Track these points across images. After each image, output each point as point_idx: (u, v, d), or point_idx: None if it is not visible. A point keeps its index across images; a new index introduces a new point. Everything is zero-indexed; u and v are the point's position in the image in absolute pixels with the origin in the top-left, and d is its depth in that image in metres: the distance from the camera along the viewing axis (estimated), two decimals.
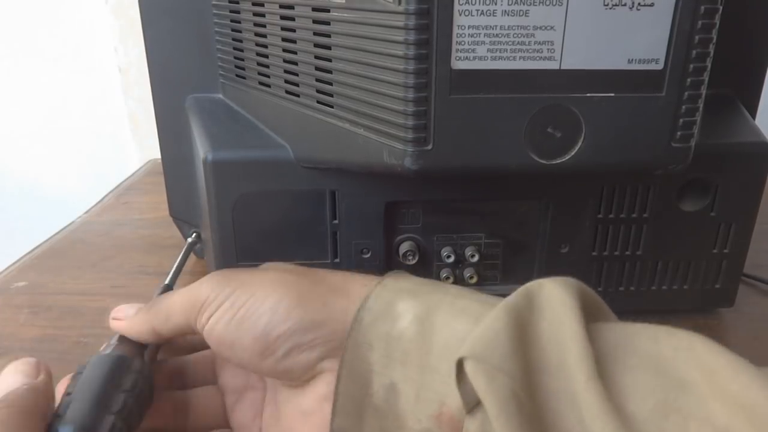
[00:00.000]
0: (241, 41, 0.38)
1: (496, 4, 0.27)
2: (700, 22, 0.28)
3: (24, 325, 0.42)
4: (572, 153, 0.30)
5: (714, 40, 0.29)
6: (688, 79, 0.29)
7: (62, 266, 0.50)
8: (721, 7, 0.28)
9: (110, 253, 0.52)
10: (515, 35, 0.28)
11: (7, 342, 0.40)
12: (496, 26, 0.28)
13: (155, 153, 0.45)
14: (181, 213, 0.47)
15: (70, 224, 0.58)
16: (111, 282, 0.47)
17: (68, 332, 0.41)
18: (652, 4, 0.28)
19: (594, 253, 0.40)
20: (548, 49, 0.28)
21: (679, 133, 0.30)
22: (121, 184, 0.69)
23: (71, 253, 0.52)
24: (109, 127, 0.82)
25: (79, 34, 0.78)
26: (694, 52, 0.29)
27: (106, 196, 0.65)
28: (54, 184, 0.85)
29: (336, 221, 0.38)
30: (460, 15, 0.27)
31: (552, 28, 0.28)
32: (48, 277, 0.48)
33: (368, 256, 0.39)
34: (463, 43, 0.28)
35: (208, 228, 0.39)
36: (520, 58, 0.28)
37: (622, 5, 0.28)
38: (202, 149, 0.37)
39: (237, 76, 0.39)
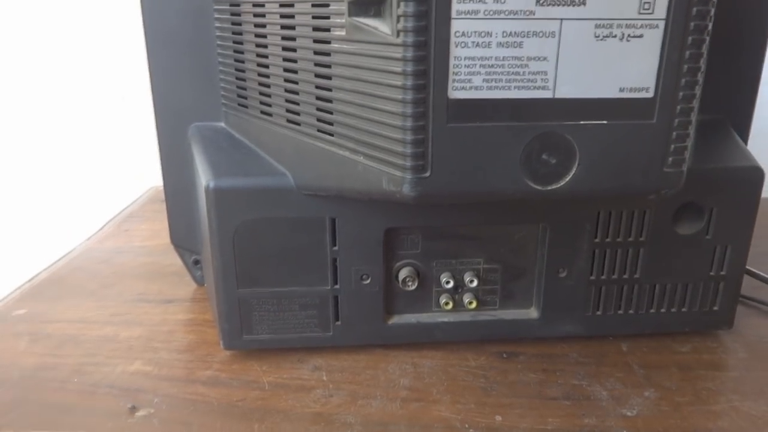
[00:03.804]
0: (243, 71, 0.39)
1: (490, 36, 0.28)
2: (687, 52, 0.29)
3: (23, 353, 0.42)
4: (567, 179, 0.31)
5: (702, 69, 0.30)
6: (678, 107, 0.30)
7: (62, 294, 0.50)
8: (707, 38, 0.29)
9: (110, 281, 0.52)
10: (510, 66, 0.29)
11: (6, 370, 0.40)
12: (491, 57, 0.28)
13: (156, 181, 0.46)
14: (183, 240, 0.47)
15: (70, 252, 0.59)
16: (111, 310, 0.47)
17: (68, 360, 0.41)
18: (641, 36, 0.29)
19: (592, 277, 0.40)
20: (542, 79, 0.29)
21: (670, 158, 0.31)
22: (122, 211, 0.69)
23: (71, 281, 0.52)
24: (110, 155, 0.83)
25: (81, 64, 0.79)
26: (683, 80, 0.30)
27: (107, 223, 0.66)
28: (54, 211, 0.85)
29: (336, 248, 0.38)
30: (456, 47, 0.28)
31: (545, 58, 0.29)
32: (48, 305, 0.48)
33: (368, 282, 0.39)
34: (459, 73, 0.28)
35: (209, 255, 0.39)
36: (515, 87, 0.29)
37: (612, 36, 0.28)
38: (203, 177, 0.37)
39: (239, 105, 0.40)
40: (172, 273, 0.53)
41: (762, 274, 0.48)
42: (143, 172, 0.79)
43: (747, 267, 0.41)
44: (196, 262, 0.49)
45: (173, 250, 0.49)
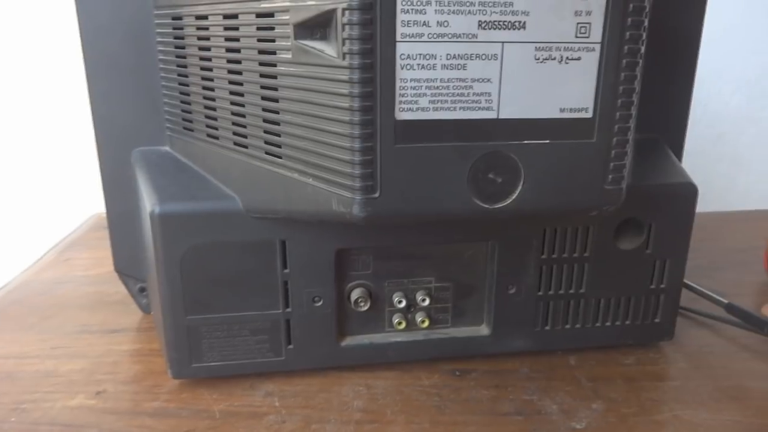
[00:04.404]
0: (188, 95, 0.38)
1: (435, 58, 0.29)
2: (623, 74, 0.30)
3: None
4: (513, 197, 0.32)
5: (637, 90, 0.31)
6: (616, 126, 0.31)
7: None
8: (641, 61, 0.31)
9: (50, 313, 0.50)
10: (455, 87, 0.29)
11: None
12: (436, 79, 0.29)
13: (99, 207, 0.45)
14: (127, 267, 0.46)
15: (7, 284, 0.56)
16: (51, 343, 0.45)
17: (4, 399, 0.39)
18: (579, 58, 0.30)
19: (540, 293, 0.41)
20: (486, 100, 0.30)
21: (610, 176, 0.32)
22: (62, 240, 0.67)
23: (8, 315, 0.50)
24: (49, 181, 0.80)
25: (18, 87, 0.77)
26: (619, 101, 0.31)
27: (46, 252, 0.63)
28: None
29: (287, 270, 0.38)
30: (402, 69, 0.29)
31: (489, 80, 0.29)
32: None
33: (320, 304, 0.39)
34: (405, 95, 0.29)
35: (155, 282, 0.38)
36: (460, 108, 0.30)
37: (552, 59, 0.30)
38: (148, 202, 0.36)
39: (184, 128, 0.40)
40: (116, 302, 0.51)
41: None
42: (84, 199, 0.77)
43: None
44: (142, 290, 0.47)
45: (117, 278, 0.47)
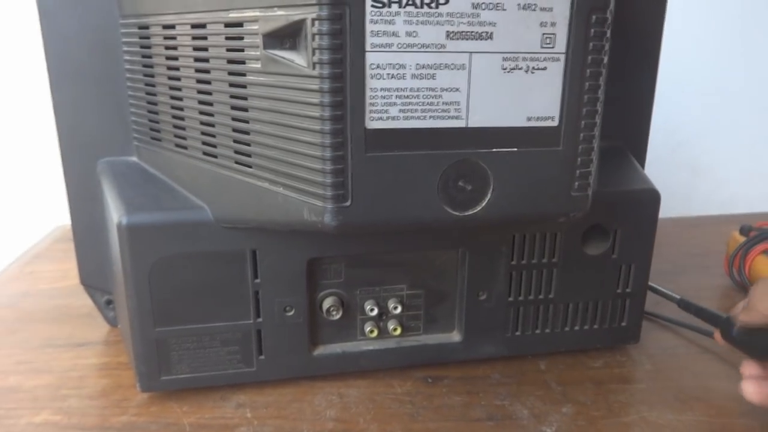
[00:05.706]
0: (156, 104, 0.38)
1: (404, 68, 0.29)
2: (587, 84, 0.31)
3: None
4: (483, 204, 0.32)
5: (601, 99, 0.32)
6: (581, 134, 0.32)
7: None
8: (604, 70, 0.32)
9: (15, 327, 0.49)
10: (424, 96, 0.30)
11: None
12: (406, 88, 0.29)
13: (63, 219, 0.44)
14: (94, 280, 0.45)
15: None
16: (16, 358, 0.44)
17: None
18: (545, 68, 0.31)
19: (510, 299, 0.42)
20: (455, 109, 0.30)
21: (576, 183, 0.33)
22: (26, 252, 0.65)
23: None
24: (13, 193, 0.78)
25: None
26: (584, 109, 0.32)
27: (9, 265, 0.62)
28: None
29: (258, 280, 0.38)
30: (372, 78, 0.29)
31: (457, 89, 0.30)
32: None
33: (292, 313, 0.39)
34: (376, 104, 0.29)
35: (122, 294, 0.37)
36: (429, 117, 0.30)
37: (519, 69, 0.30)
38: (116, 213, 0.36)
39: (152, 138, 0.39)
40: (83, 315, 0.50)
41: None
42: (48, 210, 0.75)
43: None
44: (109, 302, 0.47)
45: (83, 291, 0.46)
